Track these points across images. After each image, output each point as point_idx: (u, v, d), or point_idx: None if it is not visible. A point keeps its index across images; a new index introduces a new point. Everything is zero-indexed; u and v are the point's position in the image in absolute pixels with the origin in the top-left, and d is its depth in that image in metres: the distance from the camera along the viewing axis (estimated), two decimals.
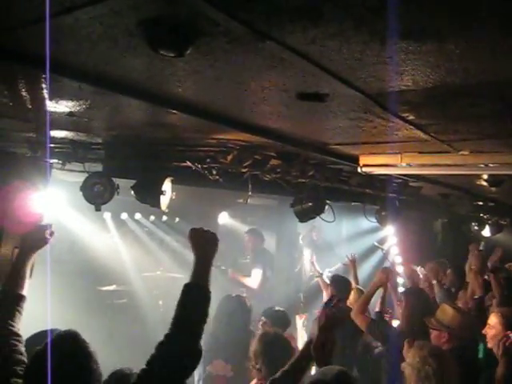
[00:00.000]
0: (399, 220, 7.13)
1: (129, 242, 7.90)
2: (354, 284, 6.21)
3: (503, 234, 9.83)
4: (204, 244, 2.74)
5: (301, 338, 5.95)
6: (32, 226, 3.11)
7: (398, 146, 3.75)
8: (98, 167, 4.11)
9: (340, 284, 5.96)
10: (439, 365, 3.27)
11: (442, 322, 4.36)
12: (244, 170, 4.21)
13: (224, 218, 8.74)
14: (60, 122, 3.12)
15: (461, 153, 3.75)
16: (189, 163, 4.07)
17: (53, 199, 3.84)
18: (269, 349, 3.82)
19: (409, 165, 4.04)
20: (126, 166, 4.08)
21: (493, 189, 5.52)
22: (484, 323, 4.41)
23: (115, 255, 7.55)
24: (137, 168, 4.08)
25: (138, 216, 8.10)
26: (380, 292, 5.34)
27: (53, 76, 2.07)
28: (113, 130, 3.60)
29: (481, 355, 4.32)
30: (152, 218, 8.25)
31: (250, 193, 4.45)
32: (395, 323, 5.49)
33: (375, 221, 6.78)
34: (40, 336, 2.80)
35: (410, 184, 6.05)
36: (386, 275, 5.20)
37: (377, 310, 5.34)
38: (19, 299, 2.76)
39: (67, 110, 2.80)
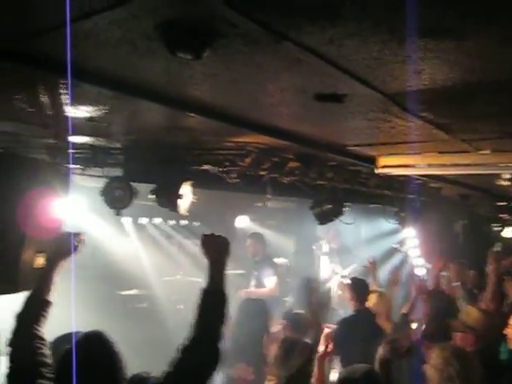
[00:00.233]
0: (419, 221, 7.07)
1: (149, 247, 7.95)
2: (374, 287, 6.18)
3: None
4: (216, 249, 2.80)
5: None
6: (54, 232, 3.15)
7: (417, 146, 3.72)
8: (117, 172, 4.14)
9: (359, 287, 5.93)
10: (462, 366, 3.23)
11: (466, 323, 4.31)
12: (263, 173, 4.21)
13: (243, 222, 8.72)
14: (80, 127, 3.16)
15: (481, 152, 3.72)
16: (207, 167, 4.08)
17: (74, 205, 3.88)
18: (288, 355, 3.80)
19: (428, 165, 4.01)
20: (145, 170, 4.11)
21: None
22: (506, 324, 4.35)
23: (135, 260, 7.60)
24: (156, 172, 4.10)
25: (157, 220, 8.14)
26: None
27: (72, 81, 2.09)
28: (132, 134, 3.63)
29: (505, 356, 4.25)
30: (171, 222, 8.28)
31: (269, 196, 4.45)
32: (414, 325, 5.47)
33: (395, 222, 6.73)
34: (65, 338, 2.91)
35: (430, 185, 6.00)
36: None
37: (403, 311, 5.33)
38: (45, 304, 2.83)
39: (87, 115, 2.83)
